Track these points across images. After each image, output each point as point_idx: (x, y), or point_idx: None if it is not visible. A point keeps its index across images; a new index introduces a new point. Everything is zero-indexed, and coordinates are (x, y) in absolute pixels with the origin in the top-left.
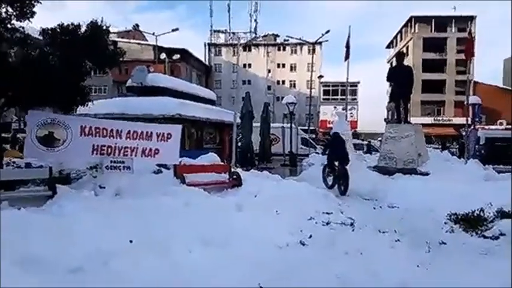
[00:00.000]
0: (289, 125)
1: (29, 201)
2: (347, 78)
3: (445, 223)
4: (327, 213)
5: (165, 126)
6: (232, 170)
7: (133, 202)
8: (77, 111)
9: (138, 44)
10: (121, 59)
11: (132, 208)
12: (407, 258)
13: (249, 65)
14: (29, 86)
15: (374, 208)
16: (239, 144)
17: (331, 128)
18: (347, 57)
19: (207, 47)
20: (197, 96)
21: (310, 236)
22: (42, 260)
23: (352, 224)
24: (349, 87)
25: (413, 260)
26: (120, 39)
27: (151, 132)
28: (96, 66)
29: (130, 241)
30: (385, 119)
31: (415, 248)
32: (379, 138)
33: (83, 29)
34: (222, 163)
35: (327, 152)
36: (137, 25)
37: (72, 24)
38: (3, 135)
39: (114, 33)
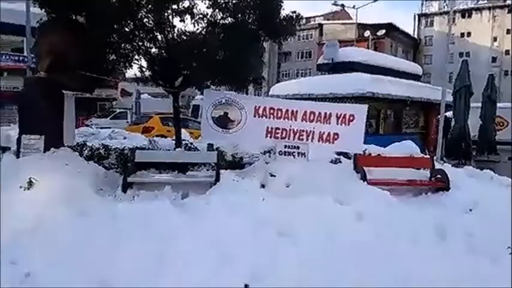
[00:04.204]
0: None
1: (192, 187)
2: None
3: None
4: None
5: (346, 106)
6: (436, 165)
7: (291, 203)
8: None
9: (342, 24)
10: (323, 41)
11: (280, 217)
12: None
13: (468, 34)
14: (200, 61)
15: None
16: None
17: None
18: None
19: (416, 18)
20: (397, 71)
21: None
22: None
23: None
24: None
25: None
26: (325, 22)
27: (330, 114)
28: (268, 36)
29: (246, 286)
30: None
31: None
32: None
33: None
34: (422, 155)
35: None
36: (342, 5)
37: None
38: None
39: (320, 16)
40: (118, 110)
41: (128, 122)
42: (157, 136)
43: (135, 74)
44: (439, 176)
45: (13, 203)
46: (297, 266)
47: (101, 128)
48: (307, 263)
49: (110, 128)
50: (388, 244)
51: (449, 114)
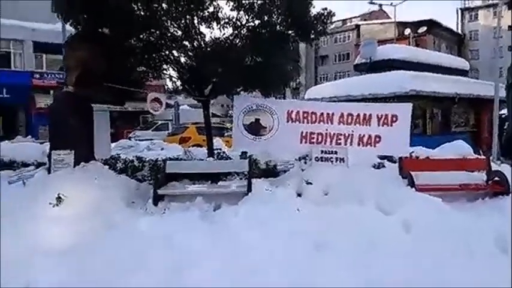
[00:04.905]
0: None
1: (224, 198)
2: None
3: None
4: None
5: (388, 106)
6: (493, 166)
7: (328, 213)
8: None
9: (381, 23)
10: (361, 43)
11: (317, 227)
12: None
13: None
14: (228, 67)
15: None
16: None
17: None
18: None
19: (459, 13)
20: (441, 67)
21: None
22: None
23: None
24: None
25: None
26: (362, 22)
27: (370, 115)
28: (298, 36)
29: None
30: None
31: None
32: None
33: None
34: (476, 156)
35: None
36: (380, 5)
37: None
38: None
39: (356, 17)
40: (159, 122)
41: (168, 133)
42: (193, 146)
43: (166, 85)
44: (497, 178)
45: (41, 220)
46: (334, 283)
47: (143, 139)
48: (345, 279)
49: (151, 139)
50: (440, 258)
51: (505, 111)
